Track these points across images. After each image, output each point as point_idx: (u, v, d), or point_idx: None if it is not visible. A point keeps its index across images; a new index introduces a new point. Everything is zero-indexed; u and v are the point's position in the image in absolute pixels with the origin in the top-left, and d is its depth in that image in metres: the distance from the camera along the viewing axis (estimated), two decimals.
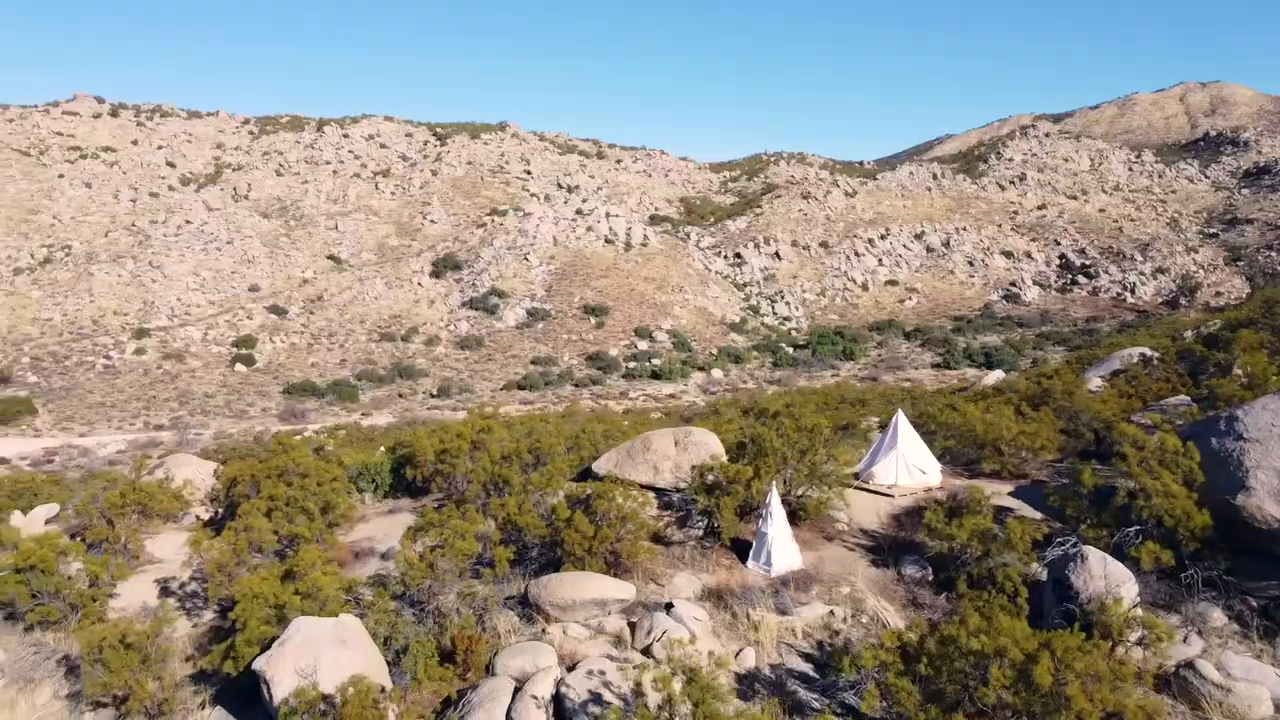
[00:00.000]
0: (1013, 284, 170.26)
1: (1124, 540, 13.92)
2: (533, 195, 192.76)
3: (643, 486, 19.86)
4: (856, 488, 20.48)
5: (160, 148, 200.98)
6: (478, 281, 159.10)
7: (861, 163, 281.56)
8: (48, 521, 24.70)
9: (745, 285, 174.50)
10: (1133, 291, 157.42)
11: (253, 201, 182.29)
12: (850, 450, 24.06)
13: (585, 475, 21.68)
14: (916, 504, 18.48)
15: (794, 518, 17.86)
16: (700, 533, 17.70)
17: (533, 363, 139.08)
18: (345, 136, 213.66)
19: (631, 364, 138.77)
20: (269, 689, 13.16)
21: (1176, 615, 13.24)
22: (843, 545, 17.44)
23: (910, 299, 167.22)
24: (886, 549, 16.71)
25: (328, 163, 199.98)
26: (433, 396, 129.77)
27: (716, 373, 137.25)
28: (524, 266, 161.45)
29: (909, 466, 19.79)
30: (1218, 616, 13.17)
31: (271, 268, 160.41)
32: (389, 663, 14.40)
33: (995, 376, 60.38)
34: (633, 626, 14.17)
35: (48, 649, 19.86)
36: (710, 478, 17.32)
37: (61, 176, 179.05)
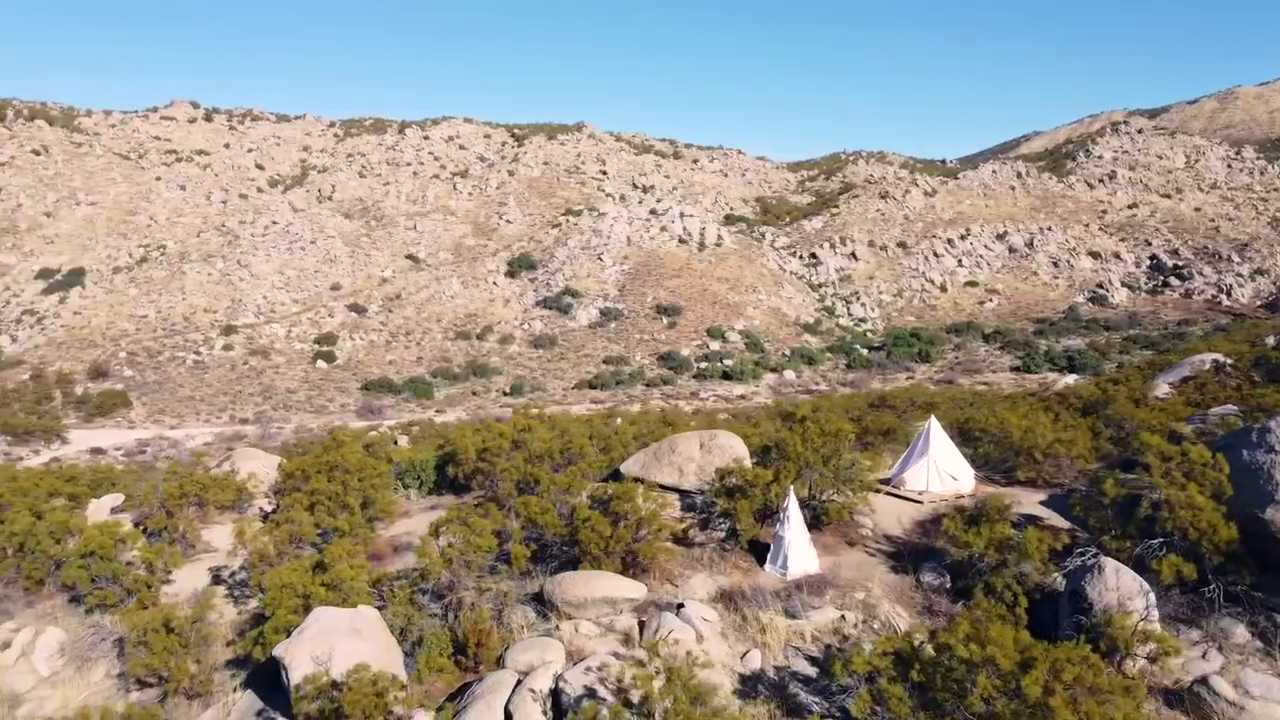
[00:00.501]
0: (1099, 285, 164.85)
1: (1146, 552, 13.53)
2: (608, 195, 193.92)
3: (667, 488, 20.08)
4: (886, 493, 20.25)
5: (250, 151, 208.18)
6: (552, 281, 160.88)
7: (943, 161, 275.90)
8: (114, 510, 26.02)
9: (820, 286, 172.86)
10: (1229, 294, 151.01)
11: (336, 202, 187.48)
12: (892, 456, 23.78)
13: (617, 476, 21.93)
14: (942, 511, 18.23)
15: (817, 522, 17.80)
16: (723, 535, 17.78)
17: (605, 362, 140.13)
18: (425, 138, 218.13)
19: (703, 364, 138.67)
20: (287, 674, 13.75)
21: (1198, 630, 12.84)
22: (864, 551, 17.31)
23: (990, 300, 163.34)
24: (907, 555, 16.55)
25: (408, 164, 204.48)
26: (505, 395, 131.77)
27: (789, 374, 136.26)
28: (598, 266, 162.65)
29: (940, 473, 19.48)
30: (1240, 633, 12.72)
31: (352, 267, 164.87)
32: (406, 653, 14.86)
33: (1068, 381, 58.74)
34: (643, 625, 14.37)
35: (104, 630, 20.92)
36: (730, 481, 17.39)
37: (158, 179, 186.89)
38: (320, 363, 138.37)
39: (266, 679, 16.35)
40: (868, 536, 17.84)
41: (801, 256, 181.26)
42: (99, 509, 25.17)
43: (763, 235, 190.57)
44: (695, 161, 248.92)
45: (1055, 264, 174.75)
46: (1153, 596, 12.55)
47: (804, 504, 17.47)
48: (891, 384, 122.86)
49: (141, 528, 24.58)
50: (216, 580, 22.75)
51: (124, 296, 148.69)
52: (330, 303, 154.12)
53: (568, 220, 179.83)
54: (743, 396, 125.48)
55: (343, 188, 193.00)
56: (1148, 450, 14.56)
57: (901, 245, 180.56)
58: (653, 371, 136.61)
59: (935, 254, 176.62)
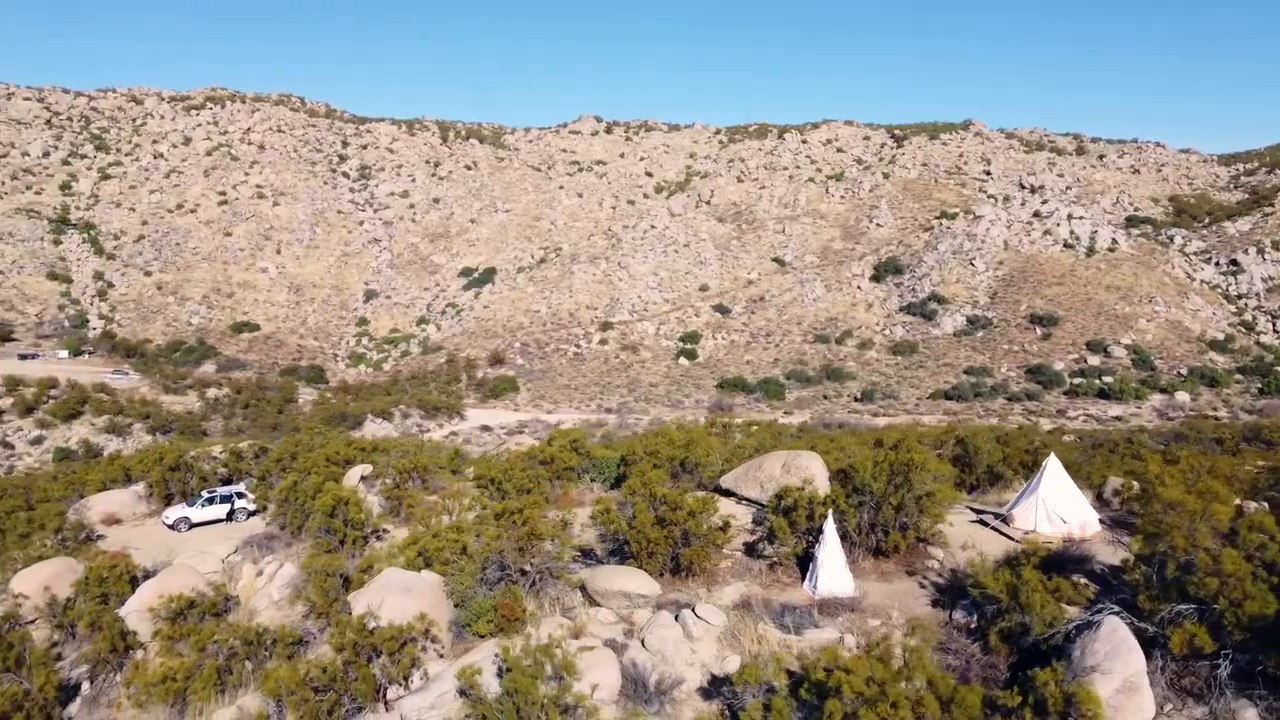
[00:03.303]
0: None
1: (1171, 617, 11.38)
2: (989, 197, 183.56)
3: (753, 501, 20.05)
4: (992, 529, 18.37)
5: (642, 159, 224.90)
6: (918, 286, 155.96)
7: None
8: (363, 478, 30.85)
9: (1240, 297, 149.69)
10: None
11: (712, 207, 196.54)
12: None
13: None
14: (1038, 551, 16.20)
15: (881, 549, 16.86)
16: (787, 549, 17.45)
17: (965, 372, 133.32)
18: (804, 142, 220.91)
19: (1077, 380, 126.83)
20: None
21: (1204, 706, 10.72)
22: (918, 581, 16.03)
23: None
24: (948, 591, 15.14)
25: (784, 168, 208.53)
26: (856, 400, 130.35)
27: (1181, 396, 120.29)
28: (968, 272, 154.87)
29: (1049, 514, 17.20)
30: (1251, 716, 10.33)
31: (720, 269, 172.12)
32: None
33: None
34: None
35: None
36: (784, 501, 17.02)
37: (561, 188, 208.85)
38: (682, 360, 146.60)
39: None
40: (932, 568, 16.47)
41: (1218, 263, 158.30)
42: (351, 476, 30.10)
43: (1170, 239, 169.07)
44: (1101, 158, 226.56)
45: None
46: (1141, 662, 10.77)
47: (868, 530, 16.71)
48: None
49: (378, 493, 28.95)
50: (413, 541, 26.34)
51: (523, 293, 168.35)
52: (697, 303, 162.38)
53: (940, 223, 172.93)
54: (1119, 418, 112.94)
55: (720, 192, 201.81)
56: (1172, 508, 12.18)
57: None
58: (1018, 385, 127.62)
59: None
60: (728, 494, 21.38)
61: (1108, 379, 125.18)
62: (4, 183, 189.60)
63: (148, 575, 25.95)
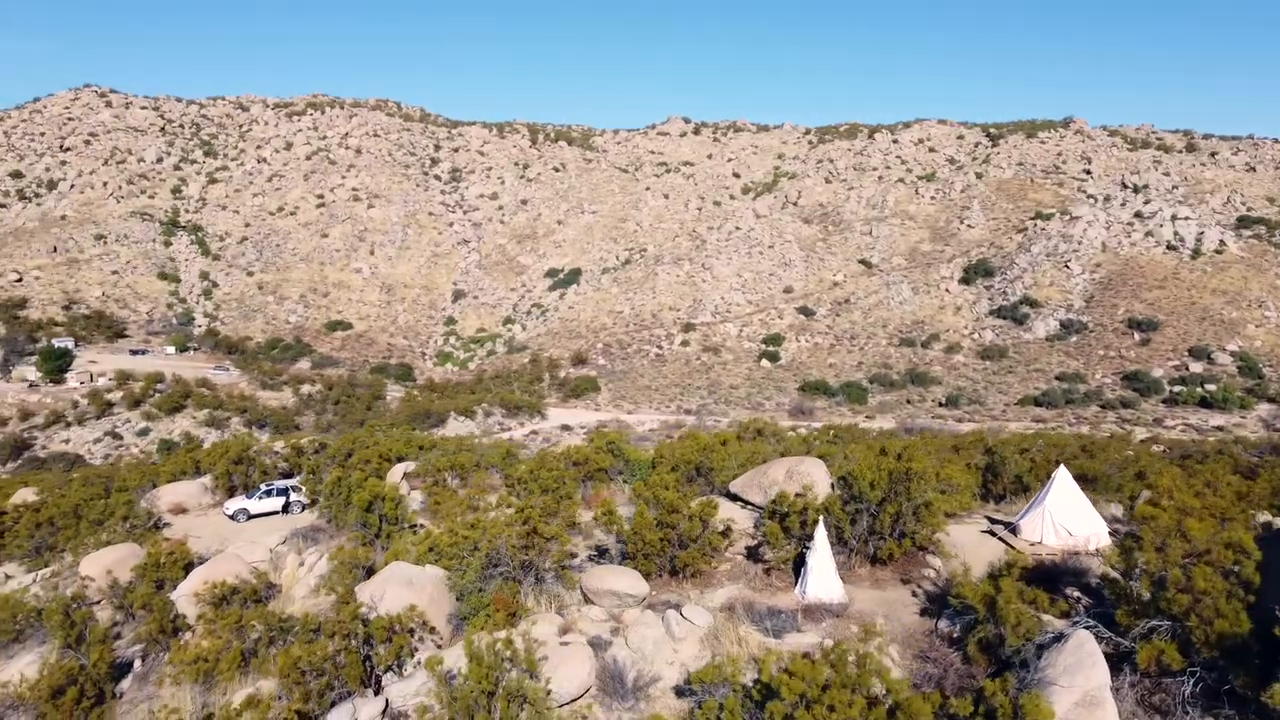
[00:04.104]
0: None
1: (1144, 632, 11.03)
2: (1088, 197, 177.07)
3: (759, 506, 20.07)
4: (1000, 539, 17.93)
5: (729, 160, 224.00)
6: (1009, 289, 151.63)
7: None
8: (405, 475, 31.79)
9: None
10: None
11: (798, 208, 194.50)
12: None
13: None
14: (1035, 563, 15.74)
15: (877, 557, 16.68)
16: (781, 554, 17.41)
17: (1057, 378, 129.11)
18: (895, 142, 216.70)
19: (1178, 388, 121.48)
20: None
21: None
22: (911, 590, 15.80)
23: None
24: (938, 600, 14.88)
25: (874, 169, 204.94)
26: (940, 405, 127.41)
27: None
28: (1063, 275, 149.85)
29: (1055, 526, 16.68)
30: None
31: (805, 271, 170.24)
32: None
33: None
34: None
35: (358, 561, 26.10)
36: (779, 506, 16.96)
37: (647, 189, 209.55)
38: (764, 362, 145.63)
39: None
40: (929, 577, 16.21)
41: None
42: (395, 473, 31.09)
43: None
44: (1213, 155, 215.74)
45: None
46: (1104, 677, 10.53)
47: (865, 537, 16.57)
48: None
49: (419, 489, 29.76)
50: (427, 537, 27.10)
51: (607, 294, 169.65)
52: (781, 305, 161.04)
53: (1035, 224, 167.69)
54: (1220, 428, 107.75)
55: (808, 193, 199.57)
56: (1145, 524, 11.75)
57: None
58: (1113, 392, 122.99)
59: None
60: (736, 499, 21.48)
61: (1210, 387, 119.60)
62: (121, 187, 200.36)
63: (202, 562, 27.32)
